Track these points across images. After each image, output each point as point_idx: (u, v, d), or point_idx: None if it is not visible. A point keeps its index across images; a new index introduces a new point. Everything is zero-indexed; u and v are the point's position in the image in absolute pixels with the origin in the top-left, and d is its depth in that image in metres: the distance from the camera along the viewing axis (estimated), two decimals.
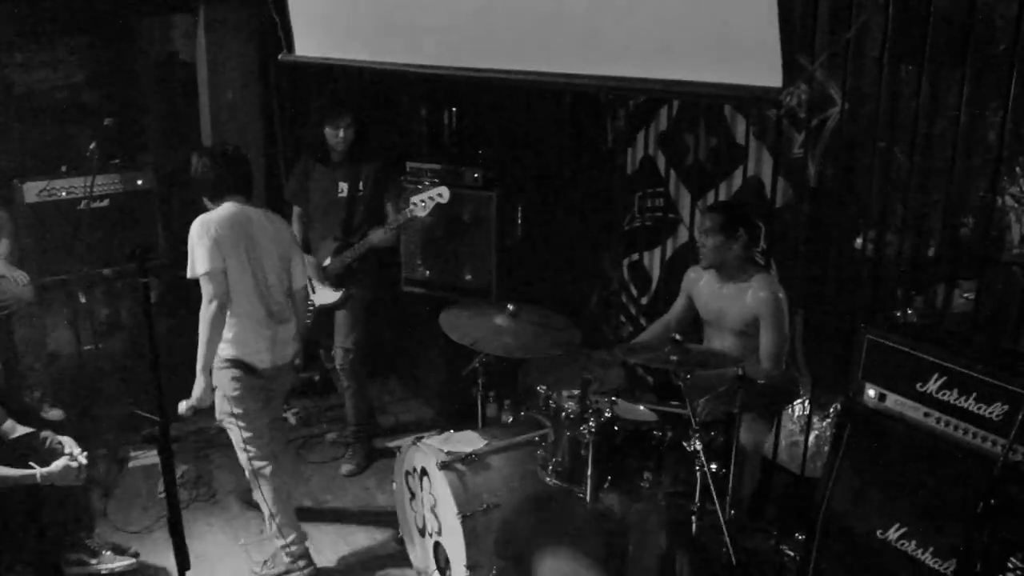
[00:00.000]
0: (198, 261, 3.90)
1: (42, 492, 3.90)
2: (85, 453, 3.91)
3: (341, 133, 4.88)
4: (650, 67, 3.50)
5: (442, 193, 4.78)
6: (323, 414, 5.71)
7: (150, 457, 5.18)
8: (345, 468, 5.19)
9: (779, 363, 3.93)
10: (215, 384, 4.00)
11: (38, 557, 4.04)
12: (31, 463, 3.78)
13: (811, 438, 4.41)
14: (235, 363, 4.01)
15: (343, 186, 4.99)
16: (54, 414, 5.10)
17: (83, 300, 5.40)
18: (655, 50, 3.46)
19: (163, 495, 4.72)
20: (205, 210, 4.05)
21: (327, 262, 4.99)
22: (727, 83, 3.24)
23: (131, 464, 5.14)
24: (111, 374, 5.34)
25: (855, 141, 4.12)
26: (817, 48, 4.09)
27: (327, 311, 5.10)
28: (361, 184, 4.98)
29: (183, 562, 2.88)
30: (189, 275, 3.94)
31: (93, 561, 4.16)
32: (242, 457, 4.11)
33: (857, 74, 4.02)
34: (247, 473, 4.12)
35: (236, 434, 4.07)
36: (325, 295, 5.02)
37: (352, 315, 5.05)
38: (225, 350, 4.00)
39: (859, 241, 4.15)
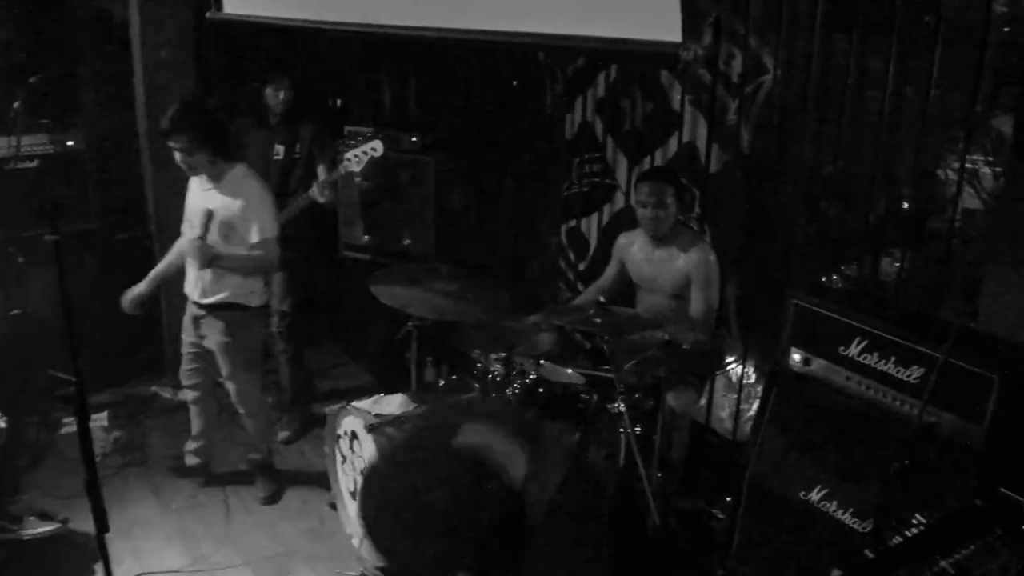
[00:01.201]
0: (270, 224, 4.14)
1: None
2: (5, 418, 3.86)
3: (281, 94, 4.82)
4: (558, 24, 3.63)
5: (376, 147, 4.71)
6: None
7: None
8: (281, 435, 5.15)
9: (707, 325, 3.97)
10: (241, 337, 4.29)
11: None
12: None
13: (743, 403, 4.47)
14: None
15: (279, 148, 4.92)
16: None
17: (20, 261, 5.27)
18: (562, 8, 3.62)
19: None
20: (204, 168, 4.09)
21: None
22: (630, 38, 3.32)
23: (63, 431, 5.06)
24: (42, 339, 5.23)
25: (787, 108, 4.15)
26: (752, 11, 4.11)
27: None
28: (297, 147, 4.91)
29: (101, 524, 2.84)
30: (258, 238, 4.09)
31: (14, 527, 4.11)
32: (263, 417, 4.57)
33: (790, 42, 4.04)
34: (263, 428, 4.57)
35: (255, 383, 4.50)
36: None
37: (288, 279, 4.99)
38: (256, 299, 4.30)
39: (788, 206, 4.19)
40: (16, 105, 4.84)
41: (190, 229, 4.17)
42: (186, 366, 4.53)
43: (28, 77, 5.03)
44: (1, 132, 5.09)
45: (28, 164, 5.15)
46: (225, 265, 4.09)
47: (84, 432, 2.76)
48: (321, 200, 4.77)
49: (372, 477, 1.59)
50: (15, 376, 4.84)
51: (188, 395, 4.60)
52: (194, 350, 4.45)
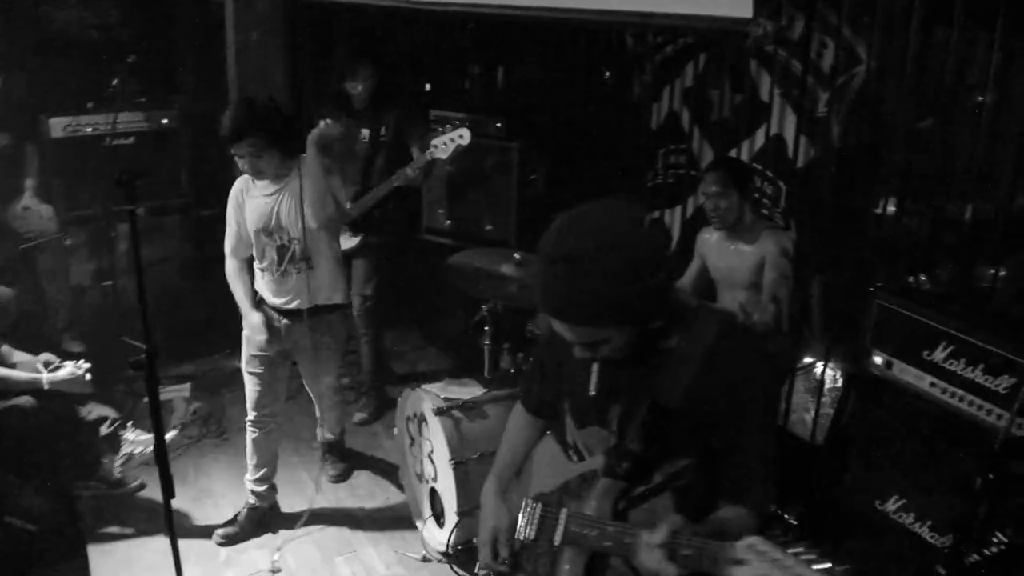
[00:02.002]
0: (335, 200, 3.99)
1: (55, 421, 4.00)
2: (88, 365, 4.02)
3: (360, 86, 4.83)
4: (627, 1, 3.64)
5: (463, 135, 4.64)
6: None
7: (168, 393, 5.26)
8: (357, 416, 5.20)
9: (777, 305, 3.88)
10: (336, 339, 4.15)
11: (51, 484, 4.12)
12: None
13: (823, 405, 4.33)
14: None
15: (364, 133, 4.95)
16: (74, 346, 5.18)
17: (112, 235, 5.45)
18: None
19: (176, 429, 4.87)
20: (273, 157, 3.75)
21: (347, 207, 4.94)
22: (700, 14, 3.28)
23: (146, 399, 5.19)
24: (131, 311, 5.39)
25: (881, 102, 4.00)
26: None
27: (345, 257, 5.05)
28: (383, 131, 4.93)
29: (168, 490, 2.89)
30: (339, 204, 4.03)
31: (103, 486, 4.28)
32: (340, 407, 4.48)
33: (886, 32, 3.89)
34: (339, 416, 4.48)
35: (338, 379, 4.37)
36: (343, 240, 4.99)
37: (370, 262, 5.02)
38: (344, 296, 4.17)
39: (879, 204, 4.03)
40: (115, 83, 4.98)
41: (267, 239, 3.85)
42: (262, 394, 4.07)
43: (127, 56, 5.18)
44: (99, 109, 5.26)
45: (124, 141, 5.32)
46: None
47: (154, 398, 2.81)
48: (411, 175, 4.72)
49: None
50: (105, 345, 4.99)
51: (255, 431, 4.11)
52: (265, 367, 4.02)
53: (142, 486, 4.38)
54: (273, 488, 4.24)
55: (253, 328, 3.92)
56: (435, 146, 4.66)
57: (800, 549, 2.74)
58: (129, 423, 4.50)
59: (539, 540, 2.12)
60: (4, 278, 4.82)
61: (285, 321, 3.96)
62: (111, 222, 5.25)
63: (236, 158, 3.69)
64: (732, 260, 4.02)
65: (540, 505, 2.15)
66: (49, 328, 5.33)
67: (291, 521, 4.19)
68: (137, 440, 4.48)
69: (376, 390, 5.30)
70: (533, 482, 2.31)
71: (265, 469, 4.16)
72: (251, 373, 4.05)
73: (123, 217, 5.26)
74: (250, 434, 4.11)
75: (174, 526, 3.02)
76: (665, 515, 1.94)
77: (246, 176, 3.83)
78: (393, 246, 5.13)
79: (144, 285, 2.74)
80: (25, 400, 3.91)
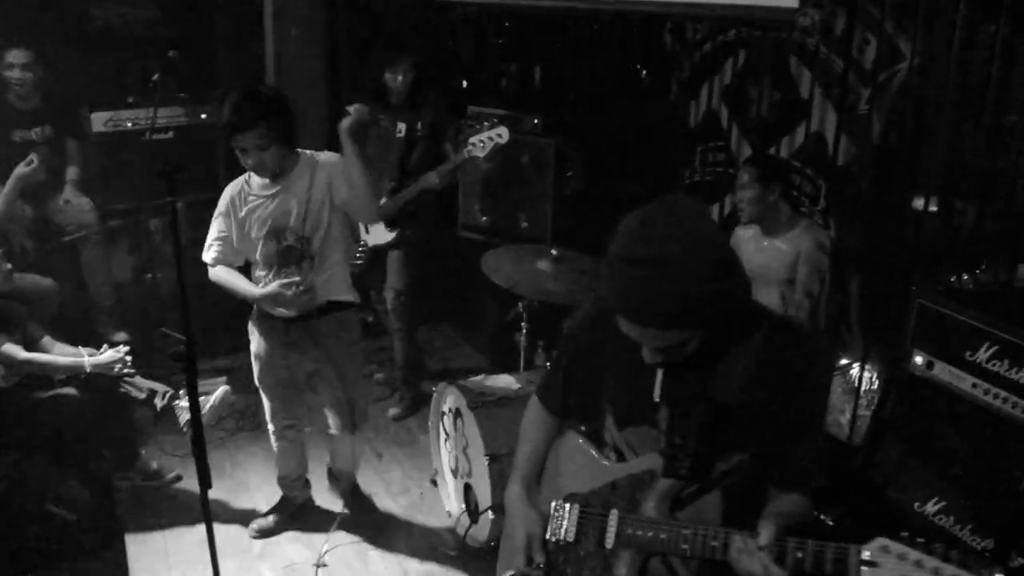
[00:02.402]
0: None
1: (96, 412, 4.05)
2: (128, 348, 4.09)
3: (400, 77, 4.83)
4: None
5: (502, 133, 4.66)
6: (374, 355, 5.73)
7: (205, 386, 5.30)
8: (392, 412, 5.21)
9: (810, 300, 3.89)
10: (354, 337, 3.94)
11: (91, 474, 4.18)
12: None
13: (859, 407, 4.28)
14: None
15: (401, 127, 4.94)
16: (118, 336, 5.24)
17: (152, 229, 5.51)
18: None
19: (212, 423, 4.91)
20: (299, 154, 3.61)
21: (382, 202, 4.93)
22: (744, 4, 3.26)
23: (183, 391, 5.26)
24: (171, 304, 5.45)
25: (924, 99, 3.95)
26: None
27: (380, 252, 5.09)
28: (419, 125, 4.93)
29: (205, 479, 2.91)
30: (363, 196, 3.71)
31: (138, 478, 4.33)
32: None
33: (929, 28, 3.84)
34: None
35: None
36: (378, 235, 5.02)
37: (404, 257, 5.01)
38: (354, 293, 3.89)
39: (920, 203, 3.97)
40: (155, 78, 5.03)
41: (270, 242, 3.62)
42: (278, 408, 3.99)
43: (168, 51, 5.23)
44: (140, 103, 5.32)
45: (163, 135, 5.38)
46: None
47: (193, 389, 2.83)
48: (437, 183, 4.78)
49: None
50: (147, 337, 5.05)
51: (280, 442, 4.06)
52: (279, 382, 3.90)
53: (179, 477, 4.43)
54: (307, 484, 4.25)
55: (274, 297, 3.58)
56: (472, 144, 4.67)
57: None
58: (181, 391, 4.52)
59: (581, 542, 2.10)
60: (47, 271, 4.90)
61: (293, 329, 3.74)
62: (150, 215, 5.30)
63: (238, 152, 3.44)
64: (766, 256, 4.01)
65: (577, 507, 2.13)
66: (92, 320, 5.40)
67: (326, 516, 4.18)
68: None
69: (410, 385, 5.31)
70: (560, 483, 2.28)
71: (295, 470, 4.14)
72: (265, 389, 3.93)
73: (162, 210, 5.38)
74: (275, 443, 4.06)
75: (211, 518, 3.03)
76: (714, 512, 1.93)
77: (238, 181, 3.64)
78: (429, 242, 5.14)
79: (184, 278, 2.75)
80: (68, 390, 3.97)
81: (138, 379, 4.27)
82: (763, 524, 1.77)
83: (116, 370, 4.07)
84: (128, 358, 4.09)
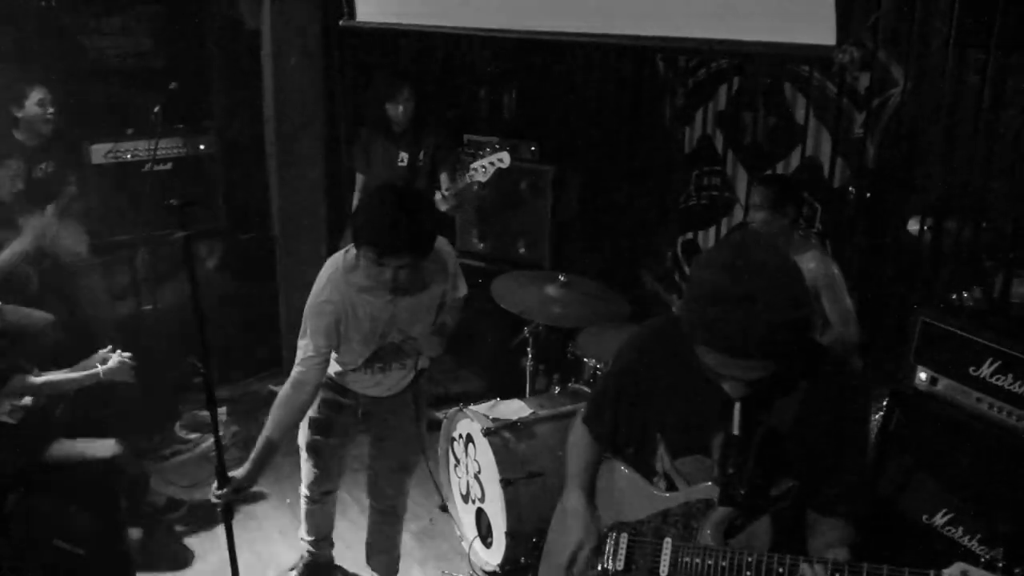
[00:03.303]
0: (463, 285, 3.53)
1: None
2: (130, 354, 4.04)
3: (401, 108, 4.90)
4: (708, 28, 3.63)
5: (503, 158, 4.70)
6: None
7: (205, 417, 5.31)
8: None
9: (848, 323, 3.91)
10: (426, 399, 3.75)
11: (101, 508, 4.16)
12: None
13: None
14: None
15: (403, 156, 5.00)
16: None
17: (146, 257, 5.49)
18: (714, 11, 3.58)
19: (214, 453, 4.91)
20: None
21: None
22: (782, 42, 3.32)
23: (184, 422, 5.28)
24: (170, 336, 5.45)
25: (916, 124, 4.05)
26: (881, 26, 4.03)
27: None
28: (421, 155, 4.99)
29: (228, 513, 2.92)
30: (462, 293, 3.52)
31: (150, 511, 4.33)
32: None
33: (921, 54, 3.95)
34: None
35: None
36: None
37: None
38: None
39: (915, 225, 4.07)
40: (156, 110, 5.04)
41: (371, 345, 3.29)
42: (320, 476, 3.71)
43: (166, 83, 5.26)
44: (140, 135, 5.34)
45: (162, 167, 5.39)
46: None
47: (214, 421, 2.83)
48: (443, 209, 4.81)
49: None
50: (146, 369, 5.04)
51: (310, 505, 3.82)
52: (329, 451, 3.65)
53: (186, 514, 4.41)
54: (330, 543, 4.03)
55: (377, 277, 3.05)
56: (474, 169, 4.72)
57: None
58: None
59: (632, 571, 2.13)
60: (40, 304, 4.88)
61: (366, 400, 3.53)
62: (151, 246, 5.30)
63: (384, 270, 2.97)
64: None
65: (626, 535, 2.16)
66: (90, 352, 5.37)
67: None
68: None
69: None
70: (606, 512, 2.31)
71: (319, 530, 3.93)
72: (312, 455, 3.67)
73: (159, 242, 5.41)
74: (304, 504, 3.84)
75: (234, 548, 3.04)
76: (765, 538, 1.99)
77: (344, 291, 3.15)
78: None
79: (200, 308, 2.77)
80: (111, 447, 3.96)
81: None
82: (834, 551, 1.85)
83: (123, 376, 4.05)
84: (131, 362, 4.07)
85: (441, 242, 3.27)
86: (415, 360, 3.39)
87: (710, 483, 2.04)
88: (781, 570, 1.88)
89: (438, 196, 4.81)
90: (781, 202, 3.92)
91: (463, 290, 3.48)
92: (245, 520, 4.41)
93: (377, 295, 3.14)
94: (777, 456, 1.97)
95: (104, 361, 4.06)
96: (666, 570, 2.07)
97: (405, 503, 3.82)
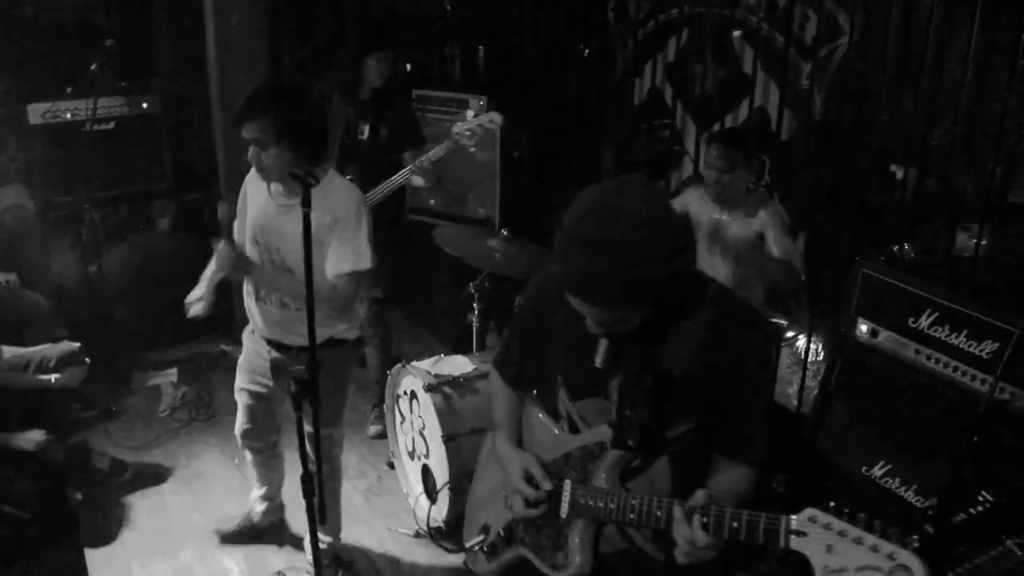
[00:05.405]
0: (364, 252, 3.14)
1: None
2: (78, 344, 4.06)
3: (381, 68, 4.45)
4: None
5: (494, 119, 4.38)
6: None
7: (157, 378, 5.28)
8: (372, 429, 4.82)
9: (793, 265, 3.88)
10: (336, 378, 3.35)
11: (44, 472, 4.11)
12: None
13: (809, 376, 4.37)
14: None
15: (364, 127, 4.58)
16: (60, 334, 5.14)
17: (95, 218, 5.38)
18: None
19: (163, 414, 4.89)
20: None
21: None
22: None
23: (135, 385, 5.22)
24: (116, 298, 5.37)
25: (864, 74, 4.03)
26: None
27: None
28: (383, 127, 4.57)
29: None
30: (341, 270, 3.11)
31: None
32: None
33: (868, 5, 3.91)
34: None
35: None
36: None
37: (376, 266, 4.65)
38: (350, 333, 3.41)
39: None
40: (93, 67, 4.91)
41: (254, 248, 3.25)
42: (248, 424, 3.62)
43: (106, 40, 5.12)
44: (79, 95, 5.20)
45: (104, 126, 5.26)
46: (283, 288, 3.19)
47: (300, 429, 2.59)
48: (420, 184, 4.48)
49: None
50: (92, 329, 4.97)
51: (252, 456, 3.75)
52: (255, 399, 3.55)
53: (132, 477, 4.37)
54: (280, 507, 3.96)
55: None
56: (459, 134, 4.36)
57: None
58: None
59: (540, 512, 2.14)
60: None
61: (275, 354, 3.38)
62: (92, 208, 5.19)
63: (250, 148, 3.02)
64: (720, 230, 3.99)
65: None
66: (35, 318, 5.29)
67: (296, 540, 3.96)
68: None
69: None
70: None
71: (266, 489, 3.84)
72: (241, 401, 3.59)
73: (104, 205, 5.31)
74: (247, 456, 3.76)
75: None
76: (663, 482, 1.98)
77: (253, 174, 3.23)
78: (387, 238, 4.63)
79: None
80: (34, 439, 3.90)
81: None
82: (698, 492, 1.82)
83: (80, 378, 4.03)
84: (80, 352, 4.03)
85: (340, 184, 3.18)
86: (294, 305, 3.20)
87: (606, 426, 2.02)
88: (659, 513, 1.87)
89: (415, 170, 4.40)
90: (738, 160, 3.83)
91: (361, 262, 3.12)
92: (192, 479, 4.38)
93: (262, 191, 3.18)
94: (671, 399, 1.94)
95: (61, 363, 4.00)
96: (566, 511, 2.08)
97: (336, 466, 3.63)
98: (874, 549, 1.55)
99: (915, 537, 1.56)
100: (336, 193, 3.12)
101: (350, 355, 3.47)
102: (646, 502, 1.90)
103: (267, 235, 3.18)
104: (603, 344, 2.01)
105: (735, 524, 1.73)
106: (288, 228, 3.08)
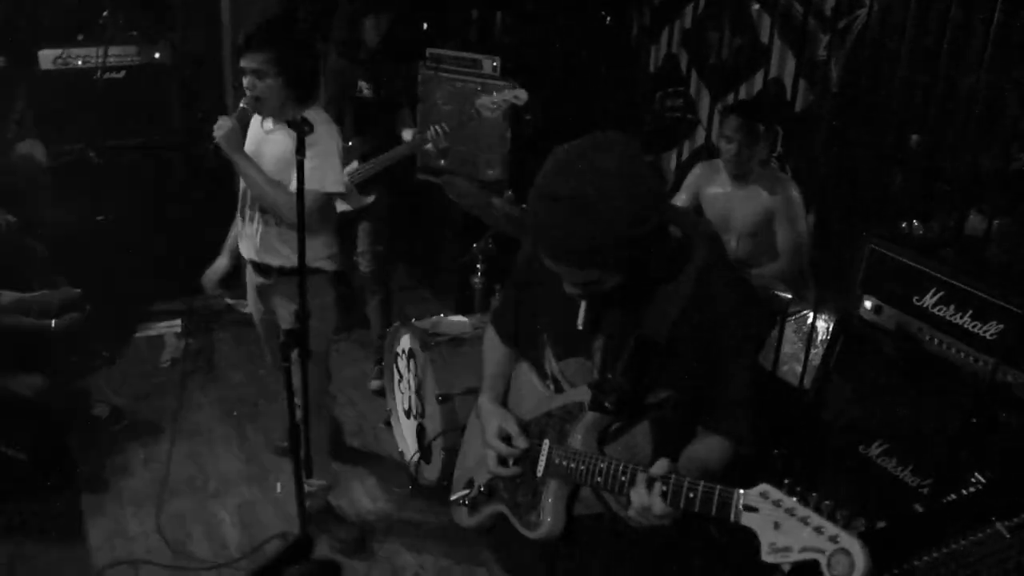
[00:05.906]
0: (334, 178, 3.29)
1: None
2: (79, 291, 4.13)
3: (380, 28, 4.47)
4: None
5: (519, 95, 4.39)
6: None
7: (159, 329, 5.29)
8: (375, 384, 4.83)
9: (795, 258, 3.87)
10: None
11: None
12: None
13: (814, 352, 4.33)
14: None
15: (362, 86, 4.57)
16: (60, 282, 5.15)
17: (98, 162, 5.36)
18: None
19: (165, 364, 4.89)
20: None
21: (353, 167, 4.43)
22: None
23: (138, 335, 5.24)
24: (123, 247, 5.36)
25: (882, 47, 3.94)
26: None
27: (352, 217, 4.60)
28: (383, 87, 4.57)
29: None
30: (318, 188, 3.19)
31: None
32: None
33: None
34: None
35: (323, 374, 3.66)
36: (353, 200, 4.50)
37: (380, 217, 4.69)
38: (332, 264, 3.53)
39: (876, 151, 3.98)
40: (105, 14, 4.88)
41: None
42: (269, 342, 3.75)
43: None
44: (90, 42, 5.17)
45: (115, 75, 5.23)
46: (251, 179, 3.24)
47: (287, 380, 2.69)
48: (433, 153, 4.52)
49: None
50: (98, 278, 4.97)
51: None
52: (267, 327, 3.69)
53: (127, 425, 4.38)
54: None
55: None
56: (482, 106, 4.40)
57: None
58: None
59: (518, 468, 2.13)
60: None
61: (259, 279, 3.51)
62: (101, 155, 5.17)
63: (243, 77, 3.17)
64: (735, 206, 3.93)
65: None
66: (33, 263, 5.29)
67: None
68: None
69: None
70: (512, 411, 2.28)
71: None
72: (261, 331, 3.74)
73: (110, 151, 5.28)
74: None
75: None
76: (644, 448, 1.95)
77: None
78: (394, 201, 4.83)
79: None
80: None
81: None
82: (660, 461, 1.78)
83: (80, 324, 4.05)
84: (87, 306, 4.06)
85: (321, 117, 3.25)
86: (272, 220, 3.32)
87: (586, 386, 1.99)
88: (623, 478, 1.84)
89: (427, 145, 4.43)
90: (757, 134, 3.76)
91: (325, 183, 3.23)
92: (189, 430, 4.39)
93: (255, 123, 3.38)
94: (650, 364, 1.89)
95: (62, 309, 4.02)
96: (542, 470, 2.06)
97: (325, 415, 3.71)
98: (818, 531, 1.53)
99: (862, 520, 1.53)
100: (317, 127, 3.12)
101: (328, 284, 3.52)
102: (613, 466, 1.88)
103: (255, 158, 3.29)
104: (583, 305, 1.98)
105: (691, 495, 1.70)
106: (267, 150, 3.30)
